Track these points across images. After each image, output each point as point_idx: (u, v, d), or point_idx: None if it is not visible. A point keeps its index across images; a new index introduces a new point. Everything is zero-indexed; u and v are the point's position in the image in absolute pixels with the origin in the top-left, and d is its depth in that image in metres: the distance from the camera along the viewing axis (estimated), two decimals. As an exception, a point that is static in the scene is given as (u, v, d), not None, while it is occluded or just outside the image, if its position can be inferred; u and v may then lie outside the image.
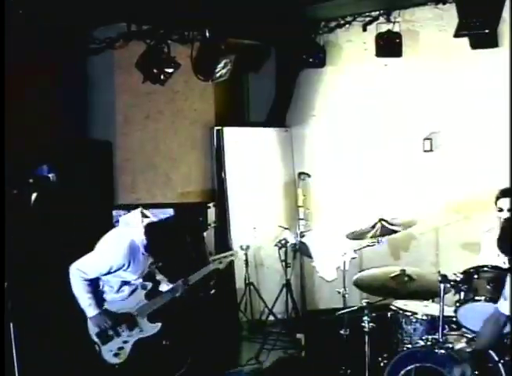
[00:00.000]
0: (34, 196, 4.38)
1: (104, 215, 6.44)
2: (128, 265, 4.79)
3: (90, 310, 4.82)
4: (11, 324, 4.00)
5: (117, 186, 7.18)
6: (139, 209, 4.95)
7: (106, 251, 4.82)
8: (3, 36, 5.37)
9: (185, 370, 5.29)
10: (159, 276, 5.14)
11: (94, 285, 4.87)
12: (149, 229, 4.78)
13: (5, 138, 5.16)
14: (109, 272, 4.81)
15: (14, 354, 3.97)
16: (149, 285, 5.00)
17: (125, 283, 4.93)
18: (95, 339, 4.89)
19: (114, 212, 6.48)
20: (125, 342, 4.92)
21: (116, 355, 4.90)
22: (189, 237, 5.13)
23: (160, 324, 4.95)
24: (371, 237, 5.55)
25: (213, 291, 6.96)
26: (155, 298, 4.97)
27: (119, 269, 4.80)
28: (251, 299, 7.77)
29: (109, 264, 4.77)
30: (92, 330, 4.88)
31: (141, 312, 4.93)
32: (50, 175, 4.55)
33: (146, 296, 4.95)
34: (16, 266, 4.29)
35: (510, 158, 6.07)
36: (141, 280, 4.98)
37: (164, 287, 5.09)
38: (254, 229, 7.69)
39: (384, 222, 5.64)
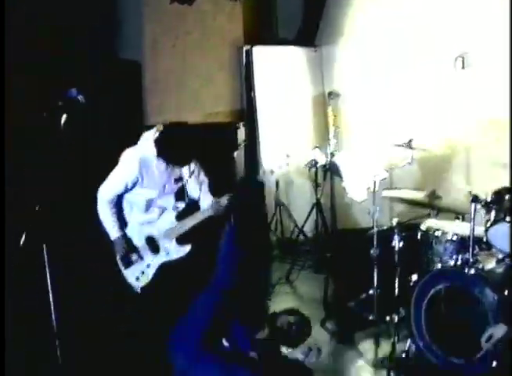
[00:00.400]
0: (63, 118, 4.34)
1: (133, 136, 6.41)
2: (142, 179, 4.71)
3: (113, 232, 4.80)
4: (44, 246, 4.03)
5: (146, 108, 7.13)
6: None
7: (119, 169, 4.77)
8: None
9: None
10: (193, 195, 5.01)
11: (118, 207, 4.85)
12: (159, 138, 4.71)
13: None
14: (126, 190, 4.76)
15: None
16: (181, 207, 4.91)
17: (151, 202, 4.84)
18: (119, 263, 4.89)
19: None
20: (148, 266, 4.87)
21: (137, 279, 4.88)
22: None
23: (189, 247, 4.86)
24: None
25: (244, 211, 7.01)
26: (185, 219, 4.88)
27: (135, 185, 4.73)
28: (282, 219, 7.82)
29: (124, 180, 4.72)
30: (116, 253, 4.87)
31: (169, 234, 4.85)
32: (79, 97, 4.49)
33: (177, 218, 4.86)
34: (48, 193, 4.30)
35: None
36: (172, 202, 4.90)
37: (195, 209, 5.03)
38: (287, 156, 7.62)
39: (414, 142, 5.57)
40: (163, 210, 4.89)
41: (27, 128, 5.41)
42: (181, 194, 5.00)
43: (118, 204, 4.86)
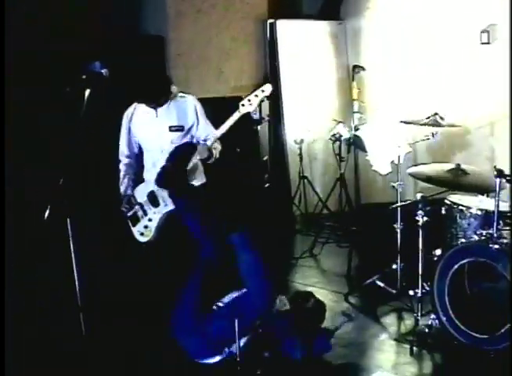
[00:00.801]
0: (87, 92, 4.33)
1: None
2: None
3: (121, 191, 4.98)
4: (68, 220, 4.05)
5: (172, 79, 7.07)
6: None
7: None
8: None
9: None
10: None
11: (131, 169, 5.02)
12: None
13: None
14: (131, 150, 5.00)
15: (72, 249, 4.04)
16: None
17: (152, 157, 4.93)
18: (129, 223, 4.99)
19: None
20: (150, 220, 4.92)
21: (142, 234, 4.95)
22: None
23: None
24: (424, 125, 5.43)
25: (267, 185, 7.01)
26: None
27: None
28: (305, 193, 7.80)
29: (122, 141, 4.99)
30: (125, 210, 4.99)
31: None
32: (103, 71, 4.48)
33: None
34: (73, 164, 4.31)
35: None
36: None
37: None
38: (309, 131, 7.60)
39: (438, 116, 5.49)
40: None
41: (52, 103, 5.41)
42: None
43: (138, 163, 5.02)
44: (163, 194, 4.83)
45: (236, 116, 4.59)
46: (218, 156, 4.83)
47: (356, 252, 6.30)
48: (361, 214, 6.75)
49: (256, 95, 4.59)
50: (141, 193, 4.95)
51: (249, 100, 4.57)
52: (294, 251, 6.89)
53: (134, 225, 4.98)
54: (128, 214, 4.98)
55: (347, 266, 6.05)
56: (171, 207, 4.83)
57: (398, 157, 5.45)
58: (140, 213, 4.95)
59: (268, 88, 4.63)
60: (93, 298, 4.31)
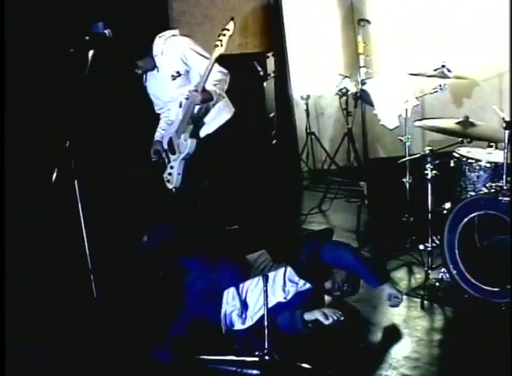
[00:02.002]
0: (91, 53, 4.25)
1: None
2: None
3: (157, 135, 5.17)
4: (75, 182, 4.01)
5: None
6: None
7: None
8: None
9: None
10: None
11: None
12: None
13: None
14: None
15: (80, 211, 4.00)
16: None
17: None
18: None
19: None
20: (172, 168, 4.99)
21: (168, 181, 5.02)
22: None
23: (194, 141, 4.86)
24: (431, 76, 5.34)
25: (274, 142, 6.94)
26: None
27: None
28: (313, 148, 7.76)
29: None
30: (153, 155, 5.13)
31: (177, 130, 4.91)
32: (106, 31, 4.39)
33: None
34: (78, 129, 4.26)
35: None
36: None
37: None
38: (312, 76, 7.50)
39: (446, 68, 5.38)
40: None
41: (54, 65, 5.32)
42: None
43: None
44: (178, 141, 4.86)
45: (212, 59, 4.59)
46: (223, 89, 4.87)
47: (365, 207, 6.24)
48: (369, 168, 6.66)
49: (224, 35, 4.55)
50: (165, 140, 5.07)
51: (220, 41, 4.55)
52: (303, 208, 6.85)
53: (162, 173, 5.07)
54: (156, 160, 5.11)
55: (357, 222, 6.00)
56: (185, 151, 4.86)
57: (406, 110, 5.37)
58: (166, 160, 5.04)
59: (230, 26, 4.58)
60: (103, 261, 4.29)
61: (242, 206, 5.75)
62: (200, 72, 4.73)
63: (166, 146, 5.02)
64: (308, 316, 4.00)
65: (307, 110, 7.55)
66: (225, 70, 4.86)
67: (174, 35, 4.90)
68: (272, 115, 6.95)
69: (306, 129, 7.63)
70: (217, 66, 4.71)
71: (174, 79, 4.83)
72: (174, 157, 4.95)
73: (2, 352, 3.46)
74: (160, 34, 4.89)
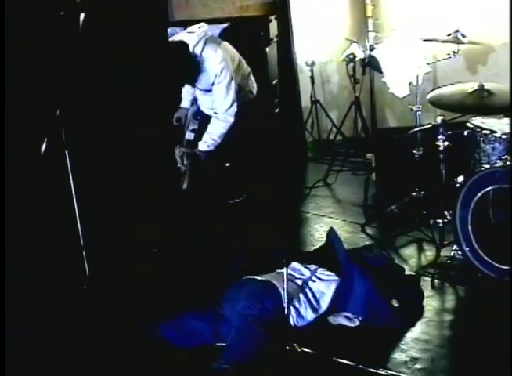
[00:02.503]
0: (82, 17, 4.21)
1: (158, 32, 6.25)
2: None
3: (184, 101, 5.43)
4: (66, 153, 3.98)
5: (171, 2, 6.91)
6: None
7: None
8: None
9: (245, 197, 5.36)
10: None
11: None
12: None
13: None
14: None
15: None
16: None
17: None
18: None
19: (170, 30, 6.29)
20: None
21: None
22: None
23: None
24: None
25: (277, 110, 6.88)
26: None
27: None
28: (318, 118, 7.70)
29: None
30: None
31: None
32: (98, -6, 4.35)
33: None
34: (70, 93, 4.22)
35: None
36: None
37: None
38: (316, 40, 7.42)
39: (460, 33, 5.32)
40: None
41: (45, 30, 5.25)
42: None
43: None
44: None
45: None
46: None
47: (373, 180, 6.20)
48: (377, 139, 6.61)
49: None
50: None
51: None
52: (307, 180, 6.82)
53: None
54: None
55: (364, 195, 5.95)
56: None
57: (417, 77, 5.31)
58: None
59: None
60: (96, 236, 4.28)
61: (244, 178, 5.74)
62: None
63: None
64: (332, 320, 4.03)
65: (312, 77, 7.47)
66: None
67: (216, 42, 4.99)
68: (274, 82, 6.88)
69: (311, 97, 7.56)
70: None
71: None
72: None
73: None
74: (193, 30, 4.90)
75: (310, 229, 5.62)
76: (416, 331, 3.97)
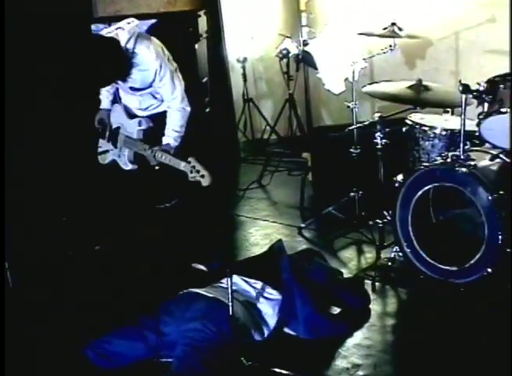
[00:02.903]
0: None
1: (82, 28, 6.13)
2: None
3: (103, 102, 5.15)
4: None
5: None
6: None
7: None
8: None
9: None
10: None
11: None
12: None
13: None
14: None
15: None
16: (148, 125, 4.89)
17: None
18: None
19: (93, 27, 6.17)
20: (107, 152, 5.06)
21: (99, 153, 5.12)
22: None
23: (135, 167, 4.93)
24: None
25: (208, 110, 6.82)
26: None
27: None
28: (251, 117, 7.70)
29: None
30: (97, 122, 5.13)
31: (128, 144, 4.89)
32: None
33: (144, 135, 4.87)
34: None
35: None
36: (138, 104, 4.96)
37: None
38: (252, 38, 7.41)
39: (396, 26, 5.36)
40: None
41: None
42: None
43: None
44: (122, 145, 4.92)
45: None
46: None
47: (310, 181, 6.20)
48: (313, 138, 6.62)
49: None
50: (114, 118, 5.08)
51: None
52: (240, 182, 6.79)
53: (101, 138, 5.15)
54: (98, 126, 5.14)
55: (300, 197, 5.96)
56: (121, 164, 4.95)
57: (353, 73, 5.30)
58: (107, 134, 5.09)
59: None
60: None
61: (174, 181, 5.66)
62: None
63: (112, 129, 5.03)
64: None
65: (244, 74, 7.45)
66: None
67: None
68: (204, 80, 6.81)
69: (243, 95, 7.53)
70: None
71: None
72: (113, 150, 5.00)
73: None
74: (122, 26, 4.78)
75: (245, 233, 5.57)
76: (358, 337, 3.95)
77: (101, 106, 5.13)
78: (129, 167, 4.89)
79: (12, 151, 4.95)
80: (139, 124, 4.82)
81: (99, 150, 5.12)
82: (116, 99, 5.13)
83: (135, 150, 4.80)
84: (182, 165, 4.38)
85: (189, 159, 4.34)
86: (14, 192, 4.92)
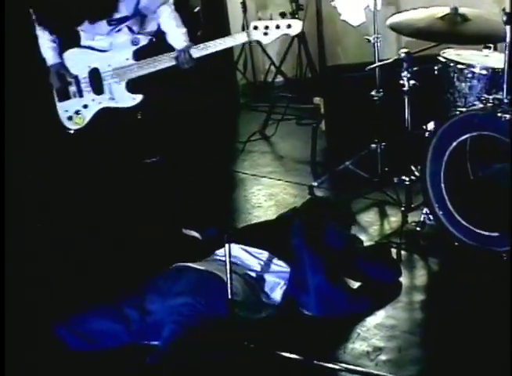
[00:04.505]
0: None
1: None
2: None
3: (50, 57, 4.88)
4: None
5: None
6: None
7: None
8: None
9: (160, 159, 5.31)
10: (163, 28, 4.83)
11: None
12: None
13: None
14: None
15: None
16: (143, 40, 4.78)
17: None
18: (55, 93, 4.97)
19: None
20: (85, 107, 4.92)
21: (70, 118, 4.96)
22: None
23: (140, 97, 4.79)
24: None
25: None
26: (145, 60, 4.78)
27: None
28: (252, 54, 7.69)
29: None
30: (53, 82, 4.94)
31: (120, 74, 4.79)
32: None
33: (135, 55, 4.75)
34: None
35: None
36: (129, 32, 4.78)
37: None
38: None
39: None
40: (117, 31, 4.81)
41: None
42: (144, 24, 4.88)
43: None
44: (112, 82, 4.81)
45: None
46: None
47: (322, 131, 6.21)
48: (327, 80, 6.60)
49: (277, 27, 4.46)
50: (79, 65, 4.87)
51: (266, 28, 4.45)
52: (240, 133, 6.81)
53: (60, 101, 4.96)
54: (55, 85, 4.94)
55: (312, 150, 5.97)
56: (118, 104, 4.83)
57: (375, 0, 5.27)
58: (73, 89, 4.93)
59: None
60: None
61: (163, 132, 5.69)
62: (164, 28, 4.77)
63: (86, 76, 4.89)
64: None
65: (243, 3, 7.43)
66: None
67: None
68: (197, 10, 6.79)
69: (243, 28, 7.49)
70: None
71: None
72: (96, 97, 4.88)
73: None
74: None
75: (245, 193, 5.62)
76: (380, 316, 3.97)
77: (49, 63, 4.95)
78: (136, 98, 4.81)
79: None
80: (134, 42, 4.76)
81: (66, 115, 5.00)
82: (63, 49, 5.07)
83: (144, 73, 4.73)
84: (244, 34, 4.47)
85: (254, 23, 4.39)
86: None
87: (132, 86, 4.79)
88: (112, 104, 4.86)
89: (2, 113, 5.17)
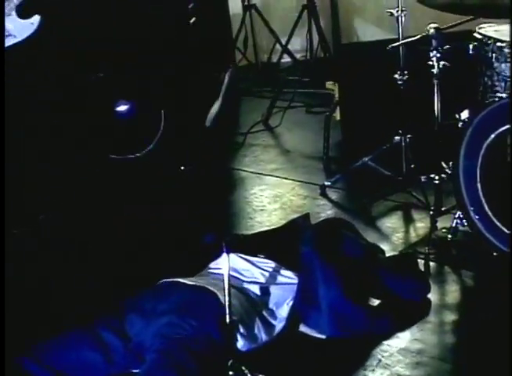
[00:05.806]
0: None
1: None
2: None
3: None
4: None
5: None
6: None
7: None
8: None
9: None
10: None
11: None
12: None
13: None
14: None
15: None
16: None
17: None
18: None
19: None
20: None
21: None
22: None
23: (37, 18, 4.95)
24: None
25: (193, 20, 6.79)
26: None
27: None
28: (254, 31, 7.70)
29: None
30: None
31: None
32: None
33: None
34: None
35: None
36: None
37: None
38: None
39: None
40: None
41: None
42: None
43: None
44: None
45: None
46: None
47: (337, 121, 6.21)
48: (342, 61, 6.60)
49: None
50: None
51: None
52: (241, 123, 6.82)
53: None
54: None
55: (324, 143, 5.98)
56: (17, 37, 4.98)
57: (399, -33, 5.29)
58: None
59: None
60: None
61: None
62: None
63: None
64: None
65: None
66: None
67: None
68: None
69: (243, 1, 7.52)
70: None
71: None
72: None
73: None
74: None
75: (246, 194, 5.62)
76: (405, 339, 3.96)
77: None
78: (34, 22, 4.95)
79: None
80: None
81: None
82: None
83: None
84: None
85: None
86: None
87: (23, 10, 4.92)
88: (11, 41, 5.00)
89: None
